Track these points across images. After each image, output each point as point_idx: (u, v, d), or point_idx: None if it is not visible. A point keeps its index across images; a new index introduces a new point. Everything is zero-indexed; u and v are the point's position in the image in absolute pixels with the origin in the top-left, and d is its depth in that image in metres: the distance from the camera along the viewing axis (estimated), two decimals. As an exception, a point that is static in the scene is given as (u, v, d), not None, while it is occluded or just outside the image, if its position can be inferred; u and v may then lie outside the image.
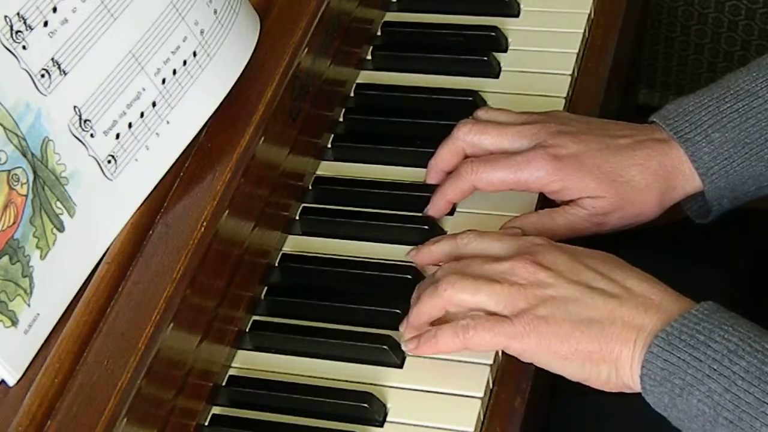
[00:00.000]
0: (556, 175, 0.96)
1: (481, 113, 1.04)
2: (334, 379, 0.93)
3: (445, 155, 1.02)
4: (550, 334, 0.85)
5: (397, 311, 0.95)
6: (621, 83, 1.24)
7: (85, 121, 0.84)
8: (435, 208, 1.02)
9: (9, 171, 0.78)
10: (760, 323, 0.86)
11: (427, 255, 0.96)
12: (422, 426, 0.89)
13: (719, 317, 0.82)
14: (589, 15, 1.19)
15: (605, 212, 0.97)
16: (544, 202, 1.02)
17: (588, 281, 0.87)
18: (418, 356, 0.93)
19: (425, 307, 0.90)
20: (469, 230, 0.94)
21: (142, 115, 0.88)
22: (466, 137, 1.01)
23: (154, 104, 0.88)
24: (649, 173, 0.97)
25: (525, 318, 0.86)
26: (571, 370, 0.86)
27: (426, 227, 1.01)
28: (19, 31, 0.79)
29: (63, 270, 0.83)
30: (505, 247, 0.90)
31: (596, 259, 0.89)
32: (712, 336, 0.81)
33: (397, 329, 0.94)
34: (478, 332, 0.87)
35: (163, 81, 0.89)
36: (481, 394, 0.90)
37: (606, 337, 0.84)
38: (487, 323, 0.87)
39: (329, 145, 1.10)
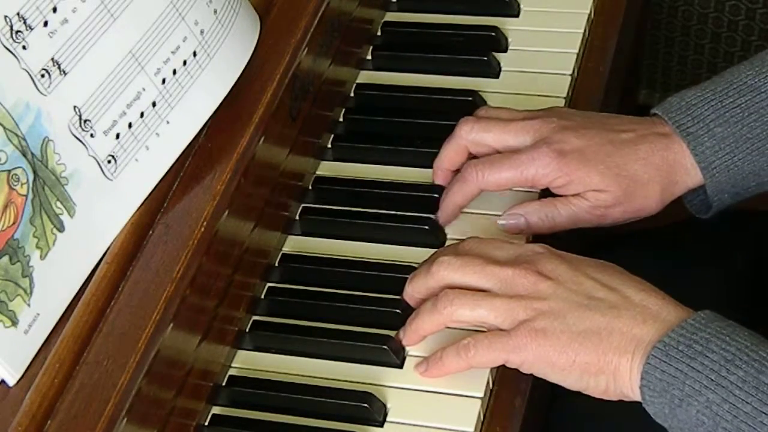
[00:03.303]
0: (561, 171, 0.96)
1: (481, 112, 1.04)
2: (334, 379, 0.93)
3: (449, 154, 1.02)
4: (547, 346, 0.85)
5: (397, 311, 0.95)
6: (621, 83, 1.24)
7: (85, 121, 0.84)
8: (444, 214, 1.02)
9: (9, 171, 0.78)
10: (758, 324, 0.86)
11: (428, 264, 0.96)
12: (422, 426, 0.89)
13: (716, 326, 0.82)
14: (589, 15, 1.19)
15: (608, 205, 0.97)
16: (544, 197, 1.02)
17: (587, 291, 0.87)
18: (419, 356, 0.93)
19: (426, 324, 0.91)
20: (471, 237, 0.94)
21: (142, 115, 0.88)
22: (468, 135, 1.01)
23: (154, 104, 0.88)
24: (652, 168, 0.97)
25: (522, 331, 0.86)
26: (570, 381, 0.87)
27: (426, 227, 1.01)
28: (19, 31, 0.79)
29: (63, 270, 0.83)
30: (506, 254, 0.91)
31: (596, 268, 0.89)
32: (709, 346, 0.81)
33: (396, 329, 0.94)
34: (478, 351, 0.88)
35: (163, 81, 0.89)
36: (481, 394, 0.90)
37: (604, 349, 0.84)
38: (486, 340, 0.88)
39: (329, 145, 1.10)
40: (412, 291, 0.94)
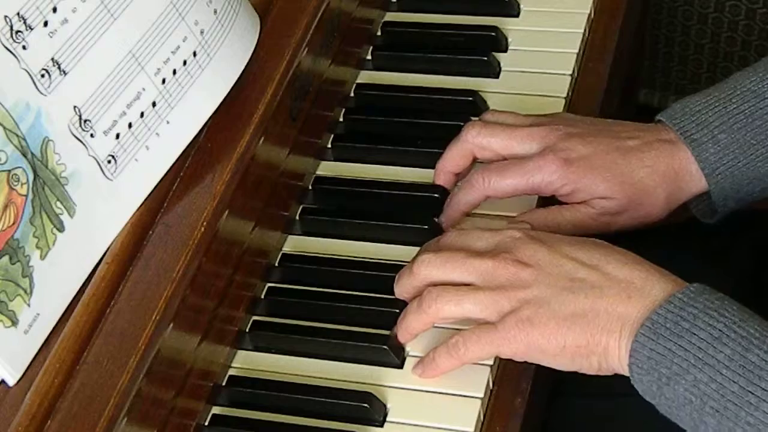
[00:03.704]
0: (567, 179, 0.97)
1: (488, 116, 1.04)
2: (334, 379, 0.93)
3: (454, 157, 1.02)
4: (536, 335, 0.86)
5: (397, 311, 0.94)
6: (621, 83, 1.24)
7: (85, 121, 0.84)
8: (449, 219, 1.02)
9: (9, 171, 0.78)
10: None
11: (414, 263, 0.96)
12: (422, 426, 0.89)
13: (704, 300, 0.82)
14: (589, 15, 1.18)
15: (613, 212, 0.97)
16: (545, 202, 1.02)
17: (569, 272, 0.87)
18: (419, 357, 0.93)
19: (413, 323, 0.91)
20: (451, 230, 0.95)
21: (142, 115, 0.88)
22: (474, 140, 1.01)
23: (154, 104, 0.88)
24: (658, 175, 0.97)
25: (509, 322, 0.86)
26: (563, 364, 0.87)
27: (426, 227, 1.01)
28: (19, 31, 0.79)
29: (63, 270, 0.83)
30: (485, 243, 0.91)
31: (575, 247, 0.89)
32: (696, 323, 0.81)
33: (397, 329, 0.94)
34: (468, 347, 0.88)
35: (163, 81, 0.89)
36: (481, 394, 0.90)
37: (591, 330, 0.85)
38: (474, 336, 0.88)
39: (329, 145, 1.10)
40: (399, 292, 0.94)
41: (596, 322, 0.85)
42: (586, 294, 0.86)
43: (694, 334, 0.81)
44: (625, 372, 0.85)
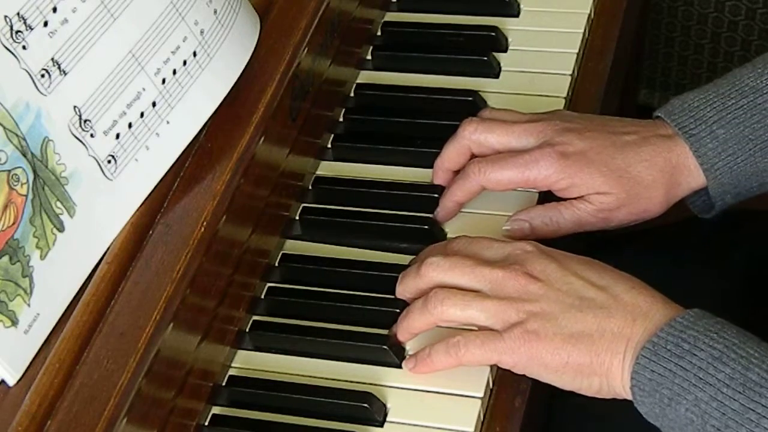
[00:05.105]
0: (564, 173, 0.96)
1: (485, 113, 1.04)
2: (334, 379, 0.93)
3: (451, 154, 1.02)
4: (540, 349, 0.86)
5: (397, 311, 0.94)
6: (621, 83, 1.24)
7: (85, 121, 0.84)
8: (444, 210, 1.02)
9: (9, 171, 0.78)
10: (756, 324, 0.86)
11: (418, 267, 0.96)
12: (422, 426, 0.89)
13: (705, 324, 0.82)
14: (589, 15, 1.19)
15: (612, 208, 0.97)
16: (545, 201, 1.02)
17: (577, 291, 0.87)
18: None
19: (416, 323, 0.91)
20: (460, 236, 0.94)
21: (142, 115, 0.88)
22: (472, 136, 1.01)
23: (154, 104, 0.88)
24: (656, 169, 0.97)
25: (515, 333, 0.86)
26: (563, 382, 0.87)
27: (426, 227, 1.01)
28: (19, 31, 0.79)
29: (63, 270, 0.83)
30: (495, 253, 0.91)
31: (585, 266, 0.89)
32: (697, 344, 0.81)
33: (397, 329, 0.94)
34: (469, 349, 0.88)
35: (163, 81, 0.89)
36: (481, 394, 0.90)
37: (596, 350, 0.85)
38: (477, 340, 0.88)
39: (329, 145, 1.10)
40: (402, 292, 0.94)
41: (602, 342, 0.85)
42: (594, 314, 0.86)
43: (695, 354, 0.81)
44: (628, 395, 0.85)
